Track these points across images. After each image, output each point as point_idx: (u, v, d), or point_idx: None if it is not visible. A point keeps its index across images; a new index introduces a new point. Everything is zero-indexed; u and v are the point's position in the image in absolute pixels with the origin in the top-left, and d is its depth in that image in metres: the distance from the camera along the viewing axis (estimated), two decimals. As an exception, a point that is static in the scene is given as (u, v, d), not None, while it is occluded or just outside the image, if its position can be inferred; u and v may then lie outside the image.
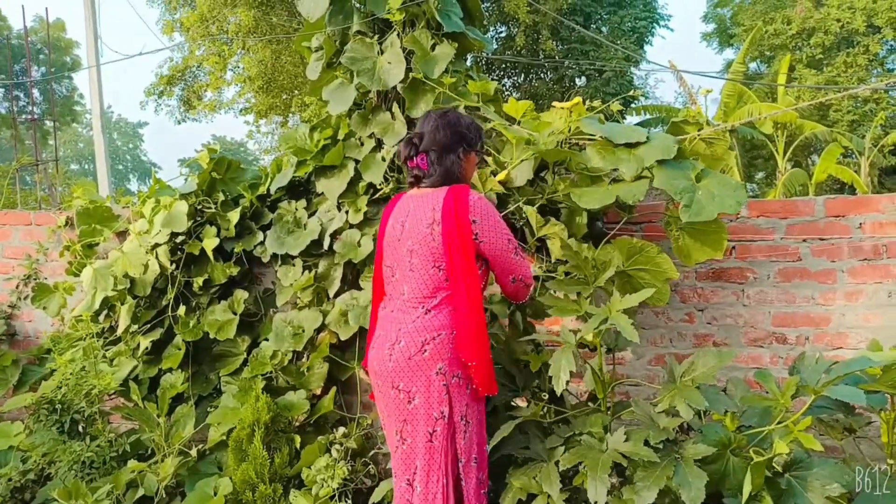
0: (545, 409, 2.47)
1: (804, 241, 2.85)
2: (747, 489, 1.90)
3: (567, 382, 2.16)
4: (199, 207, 3.36)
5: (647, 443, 2.09)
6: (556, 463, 2.19)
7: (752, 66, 20.16)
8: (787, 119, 13.07)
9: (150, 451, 3.15)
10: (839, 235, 2.81)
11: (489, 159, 2.85)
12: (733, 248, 2.92)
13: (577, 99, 2.60)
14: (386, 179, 3.08)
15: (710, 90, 3.34)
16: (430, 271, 2.09)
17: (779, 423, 2.06)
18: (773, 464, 2.00)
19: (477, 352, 2.04)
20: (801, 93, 16.13)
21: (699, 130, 2.83)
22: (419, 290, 2.10)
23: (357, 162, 3.08)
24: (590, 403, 2.62)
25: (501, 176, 2.70)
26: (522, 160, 2.67)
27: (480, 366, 2.05)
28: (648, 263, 2.53)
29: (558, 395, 2.31)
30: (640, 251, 2.49)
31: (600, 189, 2.46)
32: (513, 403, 2.66)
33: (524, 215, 2.73)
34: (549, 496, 2.15)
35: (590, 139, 2.59)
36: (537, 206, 2.69)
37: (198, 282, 3.28)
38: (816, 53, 17.59)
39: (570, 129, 2.61)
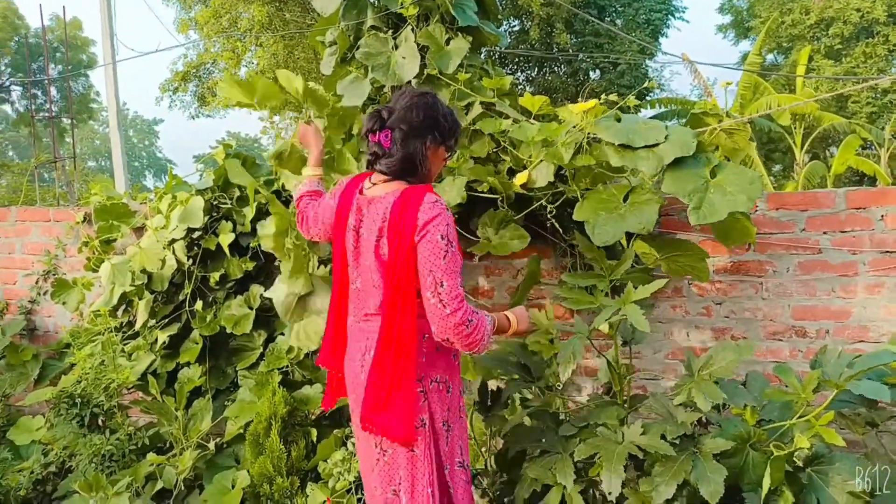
0: (559, 401, 2.47)
1: (824, 233, 2.81)
2: (766, 484, 1.88)
3: (572, 373, 2.15)
4: (214, 203, 3.38)
5: (663, 437, 2.08)
6: (571, 454, 2.19)
7: (769, 57, 19.92)
8: (806, 111, 12.91)
9: (168, 445, 3.18)
10: (860, 228, 2.76)
11: (507, 157, 2.84)
12: (752, 243, 2.89)
13: (594, 101, 2.58)
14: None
15: (731, 83, 3.29)
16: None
17: (800, 417, 2.04)
18: (794, 458, 1.98)
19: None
20: (819, 83, 15.92)
21: (719, 122, 2.81)
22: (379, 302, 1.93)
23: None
24: (605, 396, 2.61)
25: (522, 178, 2.68)
26: (541, 161, 2.66)
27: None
28: (681, 248, 2.61)
29: (563, 381, 2.29)
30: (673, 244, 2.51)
31: (612, 217, 2.47)
32: (527, 395, 2.66)
33: (549, 214, 2.73)
34: (564, 487, 2.15)
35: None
36: (559, 202, 2.69)
37: (214, 277, 3.30)
38: (835, 44, 17.34)
39: (586, 133, 2.59)
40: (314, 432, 2.94)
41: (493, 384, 2.76)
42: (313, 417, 3.06)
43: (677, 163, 2.41)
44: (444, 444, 1.92)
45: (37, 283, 3.94)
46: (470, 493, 2.00)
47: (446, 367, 1.94)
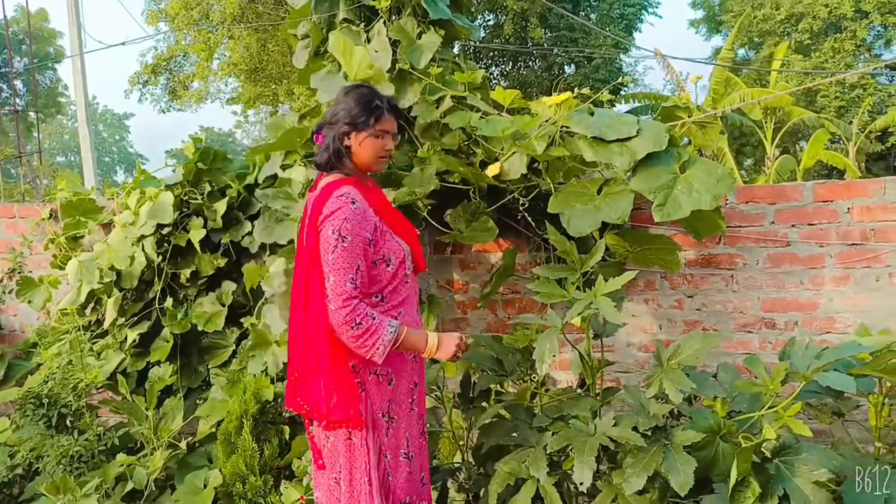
0: (533, 394, 2.48)
1: (793, 226, 2.85)
2: (734, 475, 1.91)
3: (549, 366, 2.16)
4: (185, 198, 3.32)
5: (635, 428, 2.09)
6: (545, 447, 2.19)
7: (741, 52, 20.18)
8: (778, 104, 13.10)
9: (139, 445, 3.13)
10: (827, 220, 2.81)
11: (478, 150, 2.83)
12: (722, 234, 2.92)
13: (567, 94, 2.59)
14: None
15: (700, 77, 3.34)
16: None
17: (768, 408, 2.07)
18: (763, 449, 2.01)
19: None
20: (788, 78, 16.16)
21: (689, 116, 2.83)
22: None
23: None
24: (579, 390, 2.62)
25: (494, 170, 2.68)
26: (513, 153, 2.66)
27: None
28: (652, 241, 2.66)
29: (541, 376, 2.31)
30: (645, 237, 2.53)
31: (587, 208, 2.49)
32: (500, 388, 2.66)
33: (521, 206, 2.73)
34: (537, 480, 2.15)
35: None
36: (533, 195, 2.69)
37: (185, 273, 3.25)
38: (804, 39, 17.62)
39: (559, 126, 2.59)
40: (287, 430, 2.92)
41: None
42: (286, 415, 3.03)
43: (648, 158, 2.42)
44: (383, 436, 1.95)
45: (1, 280, 3.84)
46: (414, 483, 2.03)
47: (390, 361, 1.91)
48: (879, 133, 14.82)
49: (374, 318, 1.83)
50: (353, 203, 1.87)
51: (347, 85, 2.12)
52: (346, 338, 1.82)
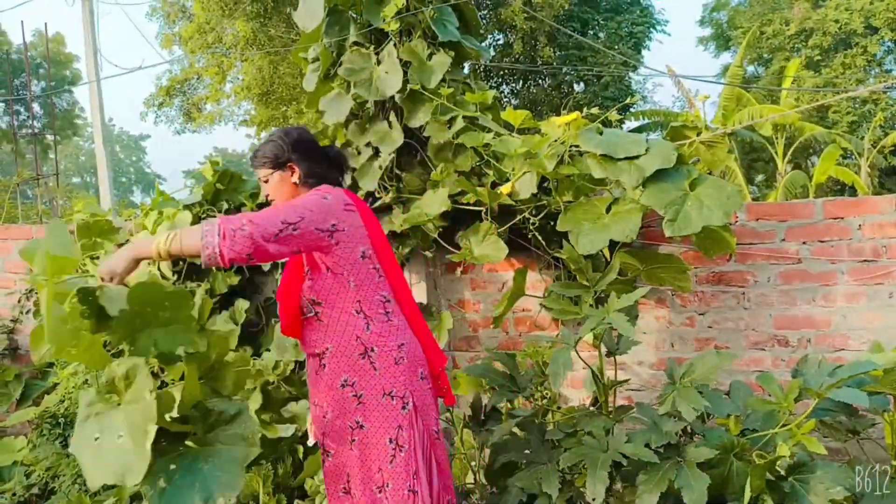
0: (545, 411, 2.48)
1: (804, 243, 2.85)
2: (748, 493, 1.90)
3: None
4: (202, 217, 3.38)
5: (648, 445, 2.09)
6: (557, 464, 2.20)
7: (750, 68, 20.20)
8: (786, 121, 13.09)
9: (153, 464, 3.15)
10: (839, 237, 2.81)
11: (490, 171, 2.87)
12: (732, 253, 2.92)
13: (576, 114, 2.62)
14: (385, 189, 3.09)
15: (708, 96, 3.37)
16: None
17: (782, 426, 2.06)
18: (777, 467, 2.00)
19: None
20: (799, 95, 16.15)
21: (698, 134, 2.85)
22: None
23: (354, 171, 3.10)
24: (591, 408, 2.62)
25: (506, 189, 2.71)
26: (525, 172, 2.69)
27: None
28: (663, 261, 2.65)
29: (554, 392, 2.31)
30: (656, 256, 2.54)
31: (596, 226, 2.51)
32: (511, 406, 2.66)
33: (532, 225, 2.76)
34: (549, 497, 2.15)
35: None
36: (543, 214, 2.72)
37: (199, 292, 3.28)
38: (815, 55, 17.62)
39: (568, 145, 2.62)
40: (301, 449, 2.92)
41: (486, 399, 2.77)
42: (300, 434, 3.04)
43: (658, 175, 2.44)
44: (386, 464, 1.84)
45: (19, 301, 3.90)
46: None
47: (408, 385, 1.89)
48: (892, 148, 14.74)
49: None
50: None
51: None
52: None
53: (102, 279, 1.67)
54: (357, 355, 1.87)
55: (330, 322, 1.89)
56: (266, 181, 2.02)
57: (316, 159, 2.03)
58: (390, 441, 1.85)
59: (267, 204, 2.07)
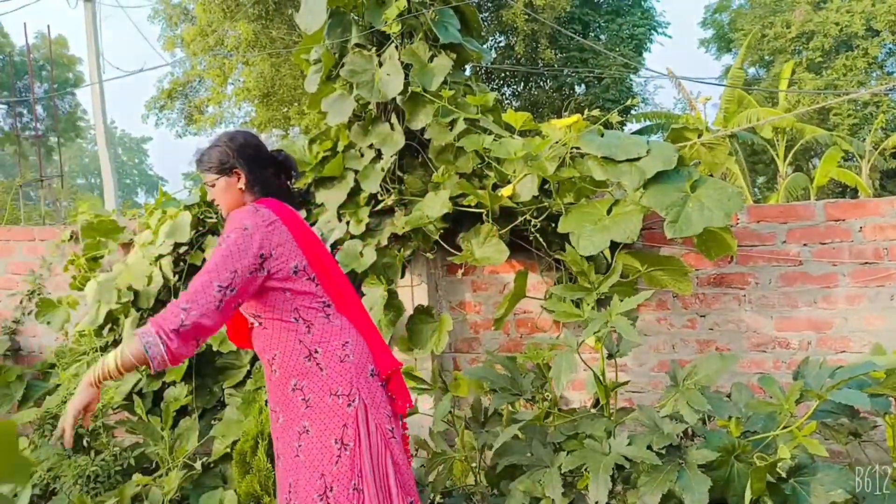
0: (547, 414, 2.48)
1: (805, 245, 2.85)
2: (748, 495, 1.89)
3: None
4: (201, 217, 3.39)
5: (650, 447, 2.09)
6: (559, 467, 2.19)
7: (752, 70, 20.20)
8: (787, 124, 13.09)
9: (154, 465, 3.15)
10: (840, 239, 2.81)
11: (491, 173, 2.87)
12: (733, 255, 2.92)
13: (577, 116, 2.63)
14: (388, 191, 3.09)
15: (710, 98, 3.39)
16: None
17: (783, 428, 2.06)
18: (778, 469, 1.99)
19: None
20: (800, 97, 16.15)
21: (699, 136, 2.85)
22: None
23: (356, 172, 3.10)
24: (593, 410, 2.62)
25: (507, 191, 2.72)
26: (526, 174, 2.69)
27: None
28: (665, 264, 2.64)
29: (556, 395, 2.31)
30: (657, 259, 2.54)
31: (597, 228, 2.51)
32: (512, 409, 2.66)
33: (533, 227, 2.77)
34: (552, 501, 2.15)
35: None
36: (544, 216, 2.72)
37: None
38: (816, 57, 17.61)
39: (570, 147, 2.63)
40: (302, 450, 2.92)
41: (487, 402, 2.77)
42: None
43: (659, 177, 2.45)
44: (331, 465, 1.82)
45: (21, 303, 3.91)
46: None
47: (356, 385, 1.87)
48: (893, 150, 14.72)
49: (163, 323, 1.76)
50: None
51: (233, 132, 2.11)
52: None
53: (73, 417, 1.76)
54: (303, 359, 1.88)
55: (273, 330, 1.91)
56: (212, 186, 2.00)
57: (261, 165, 2.02)
58: (335, 441, 1.83)
59: (212, 205, 2.09)
